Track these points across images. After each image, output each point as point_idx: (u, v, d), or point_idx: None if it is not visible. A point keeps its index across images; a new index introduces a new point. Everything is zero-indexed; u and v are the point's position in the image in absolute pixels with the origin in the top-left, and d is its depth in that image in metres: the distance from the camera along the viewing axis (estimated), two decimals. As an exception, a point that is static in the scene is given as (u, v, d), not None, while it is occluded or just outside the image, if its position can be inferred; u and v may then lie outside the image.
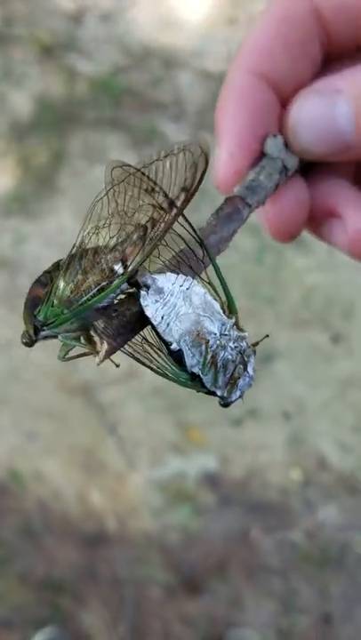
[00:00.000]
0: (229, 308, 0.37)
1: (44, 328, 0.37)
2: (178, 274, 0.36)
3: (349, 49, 0.39)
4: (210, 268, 0.38)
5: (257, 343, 0.38)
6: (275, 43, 0.37)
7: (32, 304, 0.37)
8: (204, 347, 0.35)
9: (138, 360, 0.36)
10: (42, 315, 0.37)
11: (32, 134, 2.08)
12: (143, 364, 0.37)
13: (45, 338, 0.38)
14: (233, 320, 0.36)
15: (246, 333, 0.36)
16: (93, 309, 0.35)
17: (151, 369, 0.37)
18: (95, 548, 1.56)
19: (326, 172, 0.40)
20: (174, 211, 0.36)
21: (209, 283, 0.38)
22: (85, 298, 0.35)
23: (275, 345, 1.82)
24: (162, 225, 0.36)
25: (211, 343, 0.35)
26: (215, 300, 0.37)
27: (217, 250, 0.38)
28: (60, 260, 0.37)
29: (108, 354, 0.35)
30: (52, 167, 2.02)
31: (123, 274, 0.35)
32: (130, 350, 0.36)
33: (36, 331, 0.38)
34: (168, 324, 0.35)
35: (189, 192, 0.36)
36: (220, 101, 0.38)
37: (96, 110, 2.14)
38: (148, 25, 2.29)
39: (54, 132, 2.08)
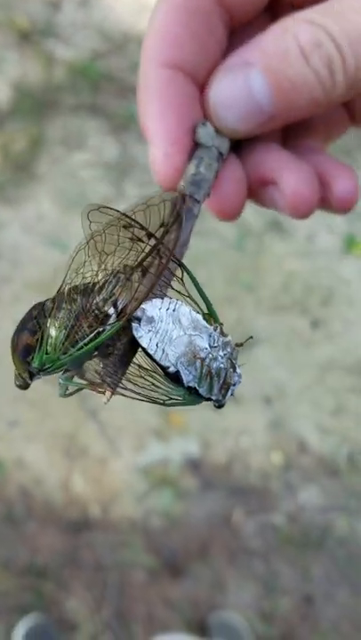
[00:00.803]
0: (212, 318, 0.38)
1: (40, 373, 0.38)
2: (162, 298, 0.37)
3: (249, 16, 0.39)
4: (188, 283, 0.39)
5: (241, 344, 0.39)
6: (181, 32, 0.37)
7: (24, 353, 0.37)
8: (199, 363, 0.36)
9: (140, 397, 0.38)
10: (36, 362, 0.37)
11: (10, 120, 2.06)
12: (145, 398, 0.38)
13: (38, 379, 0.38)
14: (218, 329, 0.37)
15: (230, 337, 0.38)
16: (89, 353, 0.36)
17: (153, 401, 0.38)
18: (78, 534, 1.56)
19: (255, 142, 0.40)
20: (164, 256, 0.36)
21: (189, 296, 0.38)
22: (82, 344, 0.35)
23: (255, 331, 1.83)
24: (153, 264, 0.36)
25: (205, 359, 0.37)
26: (198, 313, 0.38)
27: (180, 254, 0.38)
28: (45, 303, 0.37)
29: (111, 393, 0.36)
30: (31, 153, 2.01)
31: (118, 318, 0.35)
32: (131, 387, 0.37)
33: (32, 376, 0.38)
34: (163, 350, 0.36)
35: (176, 235, 0.36)
36: (141, 101, 0.38)
37: (75, 96, 2.13)
38: (127, 10, 2.28)
39: (32, 118, 2.07)
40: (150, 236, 0.37)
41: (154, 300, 0.37)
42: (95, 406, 1.69)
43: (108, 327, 0.35)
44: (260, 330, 1.83)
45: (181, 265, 0.38)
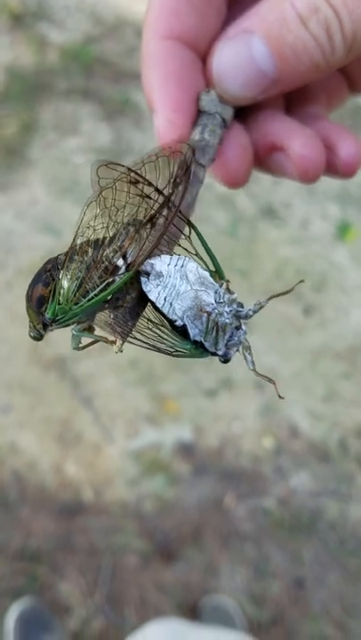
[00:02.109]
0: (219, 275, 0.39)
1: (53, 324, 0.39)
2: (170, 255, 0.38)
3: None
4: (195, 241, 0.40)
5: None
6: (180, 3, 0.38)
7: (38, 303, 0.38)
8: (205, 318, 0.38)
9: (148, 346, 0.39)
10: (49, 312, 0.38)
11: (2, 104, 2.04)
12: (153, 348, 0.39)
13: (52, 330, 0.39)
14: (224, 286, 0.39)
15: (236, 295, 0.39)
16: (100, 304, 0.37)
17: (160, 351, 0.39)
18: (71, 519, 1.57)
19: (259, 110, 0.41)
20: (173, 207, 0.37)
21: (196, 254, 0.39)
22: (93, 294, 0.37)
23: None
24: (161, 220, 0.37)
25: (210, 313, 0.38)
26: (205, 270, 0.39)
27: (187, 214, 0.39)
28: (58, 257, 0.38)
29: (121, 342, 0.38)
30: (23, 138, 1.99)
31: (127, 270, 0.36)
32: (140, 337, 0.38)
33: (45, 327, 0.39)
34: (171, 304, 0.37)
35: (184, 187, 0.37)
36: (144, 72, 0.39)
37: (67, 80, 2.11)
38: (119, -7, 2.26)
39: (25, 103, 2.05)
40: (158, 192, 0.37)
41: (163, 256, 0.38)
42: (90, 393, 1.69)
43: (117, 278, 0.36)
44: (253, 316, 1.83)
45: (189, 223, 0.39)
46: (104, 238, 0.37)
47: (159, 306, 0.37)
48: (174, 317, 0.38)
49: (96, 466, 1.62)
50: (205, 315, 0.37)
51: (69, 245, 0.38)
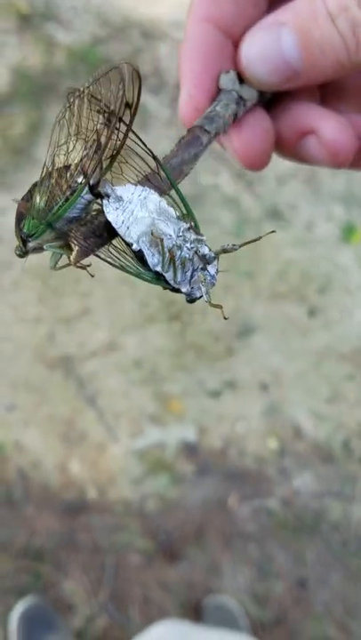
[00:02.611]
0: (190, 218, 0.41)
1: (29, 239, 0.41)
2: (136, 186, 0.40)
3: None
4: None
5: (229, 250, 0.41)
6: None
7: (18, 219, 0.41)
8: (160, 246, 0.39)
9: (105, 260, 0.40)
10: (26, 227, 0.41)
11: (9, 104, 2.05)
12: (110, 263, 0.40)
13: (34, 250, 0.42)
14: (188, 224, 0.40)
15: (204, 237, 0.40)
16: (65, 219, 0.40)
17: (115, 266, 0.41)
18: (75, 517, 1.58)
19: (294, 101, 0.43)
20: (122, 125, 0.39)
21: (169, 196, 0.41)
22: (56, 208, 0.39)
23: (252, 318, 1.83)
24: (115, 137, 0.39)
25: (166, 242, 0.39)
26: (174, 209, 0.40)
27: (179, 171, 0.41)
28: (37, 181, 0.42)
29: (79, 255, 0.39)
30: (30, 138, 2.00)
31: (81, 182, 0.39)
32: (99, 254, 0.40)
33: (24, 242, 0.42)
34: (128, 227, 0.39)
35: (132, 107, 0.40)
36: (180, 51, 0.42)
37: (74, 81, 2.12)
38: (127, -5, 2.27)
39: (32, 103, 2.06)
40: (120, 119, 0.39)
41: (128, 184, 0.40)
42: (94, 392, 1.70)
43: (73, 192, 0.39)
44: (257, 317, 1.84)
45: (154, 157, 0.41)
46: (69, 160, 0.40)
47: (116, 227, 0.39)
48: (130, 240, 0.39)
49: (100, 465, 1.63)
50: (159, 241, 0.39)
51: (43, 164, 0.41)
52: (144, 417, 1.69)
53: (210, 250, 0.40)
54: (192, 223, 0.40)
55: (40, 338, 1.75)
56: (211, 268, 0.40)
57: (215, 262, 0.40)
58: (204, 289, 0.40)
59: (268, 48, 0.39)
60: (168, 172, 0.40)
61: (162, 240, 0.39)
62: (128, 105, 0.40)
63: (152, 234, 0.39)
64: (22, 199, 0.41)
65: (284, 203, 2.00)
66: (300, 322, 1.86)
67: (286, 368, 1.79)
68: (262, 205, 1.99)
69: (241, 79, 0.41)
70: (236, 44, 0.42)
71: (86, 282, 1.75)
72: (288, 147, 0.43)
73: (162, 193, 0.40)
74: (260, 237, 0.42)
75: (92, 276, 0.41)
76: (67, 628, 1.47)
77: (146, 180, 0.41)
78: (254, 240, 0.41)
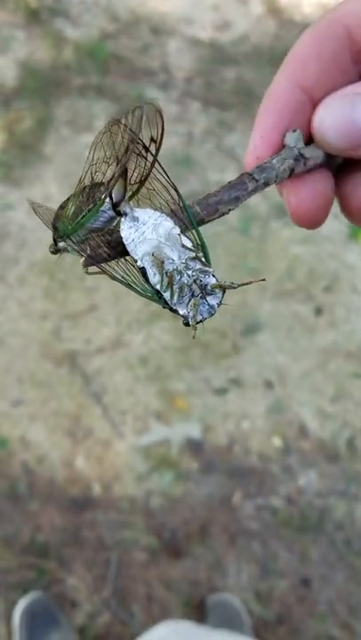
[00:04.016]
0: (201, 250, 0.43)
1: (59, 240, 0.46)
2: (156, 211, 0.43)
3: None
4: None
5: (240, 285, 0.43)
6: (308, 55, 0.43)
7: (55, 220, 0.46)
8: (160, 267, 0.41)
9: (107, 273, 0.43)
10: (60, 229, 0.46)
11: (17, 99, 2.05)
12: (114, 277, 0.43)
13: (64, 250, 0.47)
14: (194, 253, 0.42)
15: (211, 269, 0.42)
16: (87, 228, 0.44)
17: (120, 281, 0.43)
18: (80, 513, 1.58)
19: None
20: (150, 156, 0.43)
21: (190, 231, 0.43)
22: (80, 217, 0.44)
23: (258, 316, 1.83)
24: (142, 165, 0.44)
25: (166, 265, 0.42)
26: (190, 239, 0.42)
27: (214, 209, 0.43)
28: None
29: (87, 261, 0.43)
30: (38, 134, 2.00)
31: (113, 208, 0.43)
32: (105, 267, 0.43)
33: (56, 242, 0.46)
34: (135, 246, 0.42)
35: (157, 141, 0.43)
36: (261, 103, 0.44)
37: (82, 77, 2.12)
38: (135, -10, 2.26)
39: (40, 98, 2.06)
40: (146, 149, 0.43)
41: (149, 209, 0.43)
42: (100, 389, 1.70)
43: (94, 205, 0.44)
44: (263, 315, 1.83)
45: (176, 191, 0.44)
46: (101, 180, 0.44)
47: (125, 242, 0.42)
48: (135, 257, 0.42)
49: (105, 461, 1.63)
50: (159, 262, 0.41)
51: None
52: (149, 414, 1.69)
53: (217, 281, 0.42)
54: (200, 254, 0.42)
55: (46, 333, 1.75)
56: (211, 299, 0.42)
57: (218, 294, 0.42)
58: (191, 313, 0.42)
59: (340, 114, 0.41)
60: (188, 209, 0.43)
61: (162, 262, 0.41)
62: (153, 139, 0.43)
63: (153, 254, 0.42)
64: (60, 206, 0.46)
65: (291, 200, 1.99)
66: (307, 320, 1.86)
67: (292, 366, 1.79)
68: (269, 202, 1.98)
69: (310, 140, 0.43)
70: (315, 107, 0.43)
71: (92, 278, 1.75)
72: (355, 215, 0.44)
73: (183, 226, 0.43)
74: (252, 282, 0.44)
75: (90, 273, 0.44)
76: (69, 624, 1.47)
77: (171, 213, 0.43)
78: (247, 283, 0.43)
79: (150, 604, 1.52)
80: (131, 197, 0.44)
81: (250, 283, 0.43)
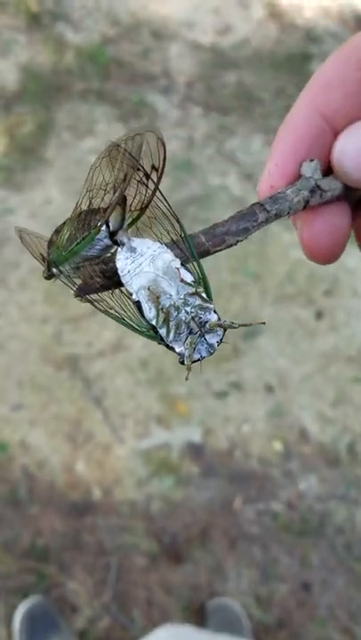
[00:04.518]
0: (203, 286, 0.40)
1: (53, 266, 0.44)
2: (155, 242, 0.41)
3: None
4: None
5: (244, 325, 0.41)
6: (332, 80, 0.41)
7: (48, 246, 0.45)
8: (156, 302, 0.39)
9: (102, 308, 0.42)
10: (53, 255, 0.44)
11: (18, 104, 2.05)
12: (108, 312, 0.41)
13: (58, 276, 0.45)
14: (193, 289, 0.40)
15: (212, 306, 0.40)
16: (81, 256, 0.42)
17: (113, 316, 0.42)
18: (80, 517, 1.58)
19: None
20: (151, 185, 0.41)
21: (191, 262, 0.41)
22: (74, 244, 0.42)
23: (259, 319, 1.83)
24: (143, 193, 0.42)
25: (163, 301, 0.39)
26: (188, 271, 0.40)
27: (221, 240, 0.41)
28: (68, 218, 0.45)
29: (80, 290, 0.41)
30: (39, 138, 2.00)
31: (110, 236, 0.41)
32: (95, 302, 0.42)
33: (49, 266, 0.45)
34: (131, 278, 0.40)
35: (158, 170, 0.41)
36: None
37: (84, 81, 2.12)
38: (137, -6, 2.26)
39: (41, 103, 2.06)
40: (147, 176, 0.41)
41: (147, 239, 0.41)
42: (100, 392, 1.70)
43: (89, 233, 0.42)
44: (264, 319, 1.83)
45: (178, 222, 0.41)
46: (98, 207, 0.43)
47: (121, 274, 0.40)
48: (130, 290, 0.40)
49: (105, 465, 1.63)
50: (155, 297, 0.39)
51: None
52: (150, 418, 1.69)
53: (218, 319, 0.40)
54: (201, 289, 0.40)
55: (47, 337, 1.75)
56: (211, 338, 0.40)
57: (219, 332, 0.40)
58: (186, 352, 0.40)
59: (360, 145, 0.39)
60: (189, 239, 0.41)
61: (158, 297, 0.39)
62: (154, 168, 0.41)
63: (149, 289, 0.40)
64: (55, 230, 0.45)
65: (292, 204, 1.99)
66: (307, 324, 1.85)
67: (292, 370, 1.79)
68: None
69: (329, 170, 0.41)
70: (335, 135, 0.41)
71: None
72: None
73: (184, 257, 0.41)
74: (252, 324, 0.43)
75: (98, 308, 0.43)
76: (69, 628, 1.47)
77: (172, 242, 0.41)
78: (248, 324, 0.42)
79: (150, 608, 1.52)
80: (130, 225, 0.42)
81: (250, 325, 0.42)
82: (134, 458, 1.64)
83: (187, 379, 0.40)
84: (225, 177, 2.03)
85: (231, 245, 0.41)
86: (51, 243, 0.44)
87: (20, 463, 1.61)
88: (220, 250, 0.41)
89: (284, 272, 1.91)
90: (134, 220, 0.42)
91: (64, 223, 0.44)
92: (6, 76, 2.10)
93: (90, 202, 0.43)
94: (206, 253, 0.41)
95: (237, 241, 0.41)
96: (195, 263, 0.41)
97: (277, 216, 0.41)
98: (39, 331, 1.76)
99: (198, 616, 1.52)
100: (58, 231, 0.44)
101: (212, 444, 1.68)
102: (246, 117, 2.14)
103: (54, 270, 0.44)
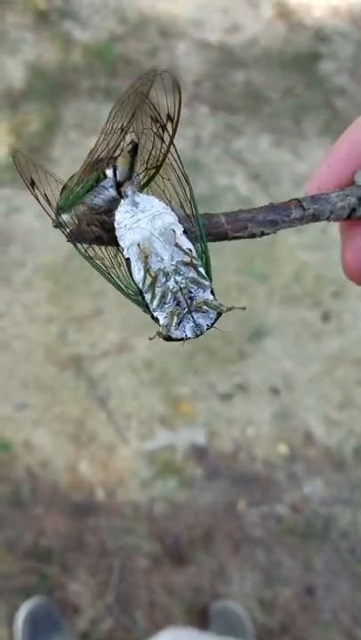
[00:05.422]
0: (204, 262, 0.38)
1: (60, 212, 0.43)
2: (161, 201, 0.38)
3: None
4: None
5: (229, 308, 0.38)
6: None
7: (61, 192, 0.43)
8: (144, 263, 0.36)
9: (88, 257, 0.39)
10: (61, 200, 0.43)
11: (25, 102, 2.05)
12: (95, 265, 0.39)
13: (65, 225, 0.43)
14: (189, 258, 0.36)
15: (208, 283, 0.36)
16: (87, 205, 0.41)
17: (98, 268, 0.39)
18: (83, 518, 1.57)
19: None
20: (167, 138, 0.40)
21: (193, 228, 0.38)
22: (78, 188, 0.41)
23: (265, 321, 1.82)
24: (157, 150, 0.40)
25: (153, 263, 0.36)
26: (189, 240, 0.37)
27: (243, 226, 0.38)
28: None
29: (71, 234, 0.39)
30: (46, 136, 2.00)
31: (98, 170, 0.40)
32: (90, 254, 0.40)
33: (58, 212, 0.43)
34: (126, 232, 0.37)
35: (174, 120, 0.40)
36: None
37: (91, 79, 2.11)
38: (145, -8, 2.25)
39: (48, 101, 2.05)
40: (159, 121, 0.40)
41: (153, 197, 0.39)
42: (105, 393, 1.69)
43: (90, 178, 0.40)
44: (270, 320, 1.82)
45: (188, 184, 0.39)
46: (108, 153, 0.41)
47: (116, 227, 0.38)
48: (122, 245, 0.37)
49: (109, 466, 1.62)
50: (144, 257, 0.36)
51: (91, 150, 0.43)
52: (154, 419, 1.68)
53: (214, 299, 0.37)
54: (198, 263, 0.37)
55: (51, 337, 1.75)
56: (199, 317, 0.37)
57: (211, 315, 0.37)
58: (165, 319, 0.36)
59: None
60: (197, 209, 0.38)
61: (147, 257, 0.36)
62: (170, 118, 0.40)
63: (139, 245, 0.37)
64: (70, 177, 0.44)
65: (299, 205, 1.98)
66: (314, 326, 1.84)
67: (298, 372, 1.78)
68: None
69: None
70: None
71: (98, 282, 1.74)
72: None
73: (193, 233, 0.38)
74: (234, 307, 0.38)
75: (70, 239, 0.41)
76: (72, 629, 1.47)
77: (185, 217, 0.38)
78: (231, 308, 0.38)
79: (153, 610, 1.51)
80: (145, 185, 0.40)
81: (232, 308, 0.38)
82: (138, 459, 1.64)
83: (150, 338, 0.36)
84: (232, 177, 2.02)
85: (254, 235, 0.38)
86: (63, 188, 0.43)
87: (23, 463, 1.60)
88: (241, 237, 0.38)
89: (291, 273, 1.90)
90: (150, 178, 0.40)
91: (78, 171, 0.43)
92: (13, 74, 2.10)
93: (106, 147, 0.41)
94: (224, 237, 0.38)
95: (262, 232, 0.38)
96: (200, 239, 0.38)
97: (315, 217, 0.38)
98: (44, 331, 1.75)
99: (201, 618, 1.52)
100: (72, 177, 0.43)
101: (217, 445, 1.67)
102: (254, 117, 2.12)
103: (61, 217, 0.42)
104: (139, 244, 0.36)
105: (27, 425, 1.65)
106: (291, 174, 2.02)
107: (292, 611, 1.56)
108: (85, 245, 0.40)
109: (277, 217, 0.38)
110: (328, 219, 0.38)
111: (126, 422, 1.67)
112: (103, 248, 0.40)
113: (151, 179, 0.40)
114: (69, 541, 1.55)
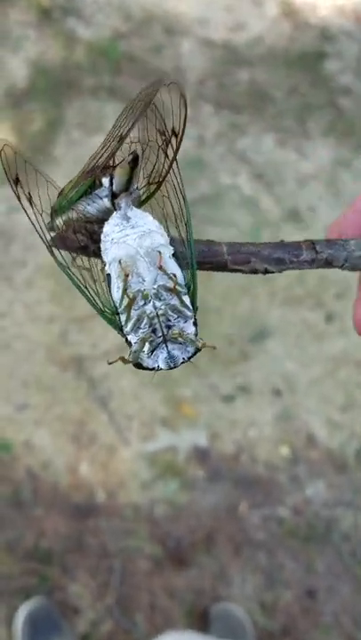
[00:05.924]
0: (190, 292, 0.35)
1: (55, 215, 0.42)
2: (155, 219, 0.36)
3: None
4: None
5: (202, 345, 0.35)
6: None
7: (58, 195, 0.43)
8: (124, 281, 0.34)
9: (66, 273, 0.37)
10: (56, 203, 0.42)
11: (27, 100, 2.04)
12: (71, 279, 0.37)
13: (58, 229, 0.42)
14: (172, 284, 0.34)
15: (190, 312, 0.34)
16: (78, 210, 0.39)
17: (78, 287, 0.37)
18: (84, 520, 1.57)
19: None
20: (170, 154, 0.38)
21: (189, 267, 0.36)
22: (72, 193, 0.40)
23: (268, 322, 1.81)
24: (160, 165, 0.39)
25: (133, 283, 0.34)
26: (177, 265, 0.35)
27: (245, 260, 0.36)
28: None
29: (55, 239, 0.38)
30: (48, 135, 1.99)
31: (93, 176, 0.38)
32: (81, 265, 0.38)
33: (52, 215, 0.42)
34: (110, 245, 0.35)
35: (178, 136, 0.38)
36: None
37: (94, 77, 2.10)
38: (149, -10, 2.24)
39: (50, 99, 2.04)
40: (165, 134, 0.38)
41: (148, 214, 0.36)
42: (106, 394, 1.69)
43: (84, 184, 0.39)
44: (273, 321, 1.81)
45: (185, 200, 0.37)
46: (107, 161, 0.40)
47: (102, 239, 0.35)
48: (105, 259, 0.35)
49: (110, 467, 1.62)
50: (124, 276, 0.34)
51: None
52: (155, 420, 1.67)
53: (194, 332, 0.34)
54: (183, 291, 0.34)
55: (52, 337, 1.74)
56: (174, 349, 0.34)
57: (188, 349, 0.34)
58: (135, 346, 0.33)
59: None
60: (191, 232, 0.36)
61: (127, 276, 0.34)
62: (174, 132, 0.38)
63: (119, 262, 0.34)
64: (69, 181, 0.43)
65: (303, 205, 1.97)
66: (317, 327, 1.83)
67: (301, 374, 1.77)
68: (281, 207, 1.96)
69: None
70: None
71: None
72: None
73: (181, 263, 0.35)
74: (215, 347, 0.36)
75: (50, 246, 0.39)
76: (72, 631, 1.46)
77: (180, 241, 0.36)
78: (208, 346, 0.35)
79: (153, 612, 1.51)
80: (145, 201, 0.38)
81: (205, 346, 0.35)
82: (139, 460, 1.63)
83: (109, 362, 0.34)
84: (236, 176, 2.00)
85: (257, 272, 0.36)
86: (61, 192, 0.42)
87: (24, 463, 1.60)
88: (242, 270, 0.36)
89: (294, 274, 1.89)
90: (150, 195, 0.39)
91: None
92: (16, 72, 2.09)
93: (104, 154, 0.40)
94: (223, 267, 0.36)
95: (266, 270, 0.36)
96: (190, 266, 0.35)
97: (327, 263, 0.36)
98: (45, 331, 1.74)
99: (201, 621, 1.51)
100: (70, 181, 0.42)
101: (219, 447, 1.67)
102: (258, 116, 2.11)
103: (55, 221, 0.41)
104: (120, 261, 0.34)
105: (27, 425, 1.64)
106: (295, 174, 2.00)
107: (293, 613, 1.55)
108: (74, 254, 0.38)
109: (285, 256, 0.36)
110: (342, 267, 0.36)
111: (127, 423, 1.66)
112: (92, 259, 0.38)
113: (152, 195, 0.39)
114: (70, 543, 1.54)
